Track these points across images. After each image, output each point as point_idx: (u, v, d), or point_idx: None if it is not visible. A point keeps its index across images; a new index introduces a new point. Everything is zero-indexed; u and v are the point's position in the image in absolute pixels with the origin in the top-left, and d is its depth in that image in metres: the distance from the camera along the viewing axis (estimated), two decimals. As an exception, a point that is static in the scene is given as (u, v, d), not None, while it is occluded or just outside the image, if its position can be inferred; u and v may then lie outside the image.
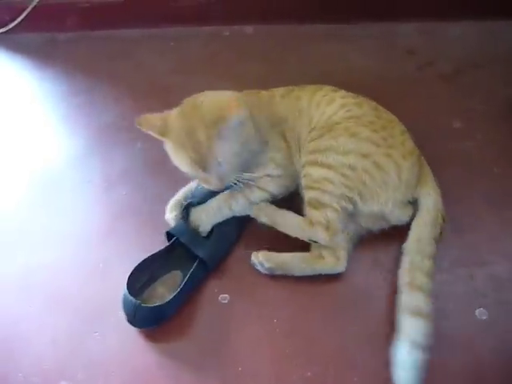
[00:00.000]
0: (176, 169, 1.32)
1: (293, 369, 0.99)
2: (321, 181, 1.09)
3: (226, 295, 1.10)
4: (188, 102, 1.10)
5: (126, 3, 1.85)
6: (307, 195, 1.11)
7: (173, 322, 1.06)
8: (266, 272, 1.11)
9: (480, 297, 1.03)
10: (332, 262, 1.09)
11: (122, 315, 1.05)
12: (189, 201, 1.19)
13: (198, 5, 1.82)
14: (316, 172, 1.10)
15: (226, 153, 1.05)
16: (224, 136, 1.03)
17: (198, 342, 1.04)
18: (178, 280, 1.12)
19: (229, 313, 1.08)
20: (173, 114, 1.09)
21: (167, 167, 1.34)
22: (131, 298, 1.03)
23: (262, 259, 1.11)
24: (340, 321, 1.05)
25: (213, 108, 1.04)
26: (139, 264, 1.10)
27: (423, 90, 1.55)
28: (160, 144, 1.43)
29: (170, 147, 1.10)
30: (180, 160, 1.09)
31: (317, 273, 1.10)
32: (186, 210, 1.18)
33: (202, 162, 1.05)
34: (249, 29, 1.79)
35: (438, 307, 0.99)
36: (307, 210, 1.10)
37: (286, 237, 1.11)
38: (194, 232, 1.15)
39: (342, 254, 1.10)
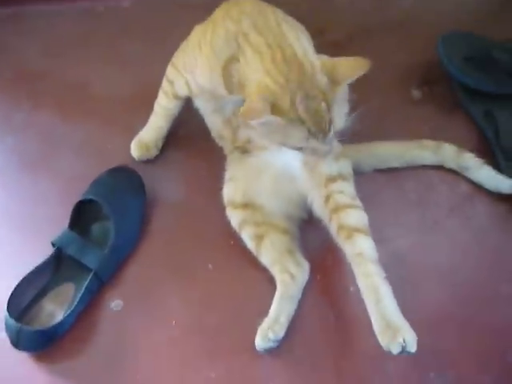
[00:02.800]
0: (58, 165, 1.29)
1: (196, 371, 1.01)
2: None
3: (119, 301, 1.09)
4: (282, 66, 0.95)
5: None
6: None
7: (61, 337, 1.03)
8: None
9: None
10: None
11: (4, 336, 1.01)
12: (85, 197, 1.14)
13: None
14: None
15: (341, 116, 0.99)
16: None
17: (92, 356, 1.03)
18: (71, 293, 1.08)
19: (123, 320, 1.07)
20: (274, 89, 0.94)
21: (46, 164, 1.32)
22: (12, 320, 0.99)
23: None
24: (244, 314, 1.06)
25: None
26: (23, 279, 1.05)
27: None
28: (35, 138, 1.39)
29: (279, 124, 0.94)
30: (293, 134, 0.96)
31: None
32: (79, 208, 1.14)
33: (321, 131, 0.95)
34: (125, 2, 1.72)
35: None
36: None
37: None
38: (83, 240, 1.11)
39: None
